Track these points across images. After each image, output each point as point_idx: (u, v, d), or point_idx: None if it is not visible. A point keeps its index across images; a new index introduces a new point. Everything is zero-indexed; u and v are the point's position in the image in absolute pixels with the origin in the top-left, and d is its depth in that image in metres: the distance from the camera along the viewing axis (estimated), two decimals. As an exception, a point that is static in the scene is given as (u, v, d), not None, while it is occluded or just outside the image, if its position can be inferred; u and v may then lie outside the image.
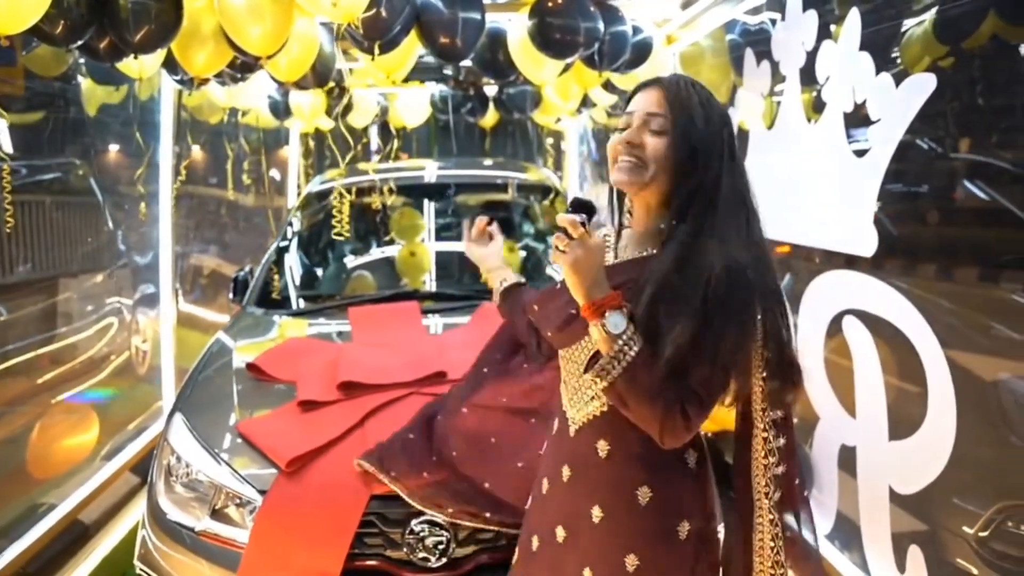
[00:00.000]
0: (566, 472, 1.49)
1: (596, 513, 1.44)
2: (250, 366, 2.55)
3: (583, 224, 1.29)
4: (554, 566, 1.50)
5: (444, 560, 1.93)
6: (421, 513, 1.93)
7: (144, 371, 4.64)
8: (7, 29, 2.19)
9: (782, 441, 1.50)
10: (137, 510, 3.36)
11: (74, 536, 3.15)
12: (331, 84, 3.99)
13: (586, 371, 1.34)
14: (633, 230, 1.52)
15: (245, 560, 1.87)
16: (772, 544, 1.53)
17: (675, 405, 1.29)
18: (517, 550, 1.64)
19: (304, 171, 6.82)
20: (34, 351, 3.43)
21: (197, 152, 5.16)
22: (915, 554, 2.12)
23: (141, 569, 2.17)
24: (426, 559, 1.93)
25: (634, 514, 1.43)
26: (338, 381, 2.28)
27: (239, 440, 2.19)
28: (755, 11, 2.98)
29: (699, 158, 1.40)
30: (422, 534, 1.92)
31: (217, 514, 2.08)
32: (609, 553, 1.43)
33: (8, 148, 2.97)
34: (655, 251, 1.45)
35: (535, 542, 1.56)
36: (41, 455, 3.44)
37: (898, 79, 2.03)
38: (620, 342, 1.27)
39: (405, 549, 1.93)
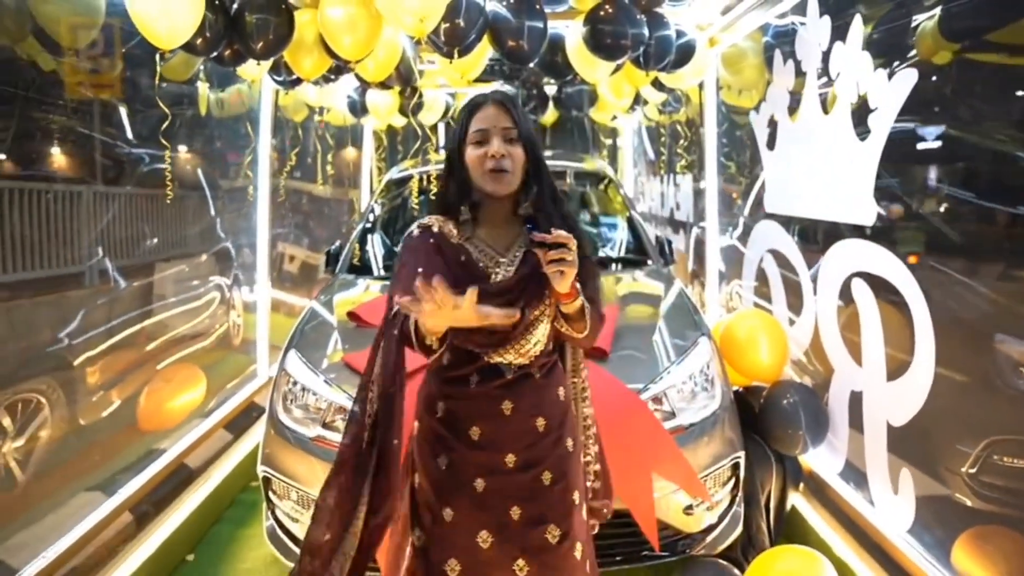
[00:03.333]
0: (508, 406, 1.78)
1: (540, 424, 1.81)
2: (350, 314, 3.09)
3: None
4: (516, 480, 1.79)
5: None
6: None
7: (238, 343, 5.18)
8: (168, 46, 2.77)
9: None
10: (229, 462, 3.92)
11: (181, 477, 3.60)
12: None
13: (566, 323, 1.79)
14: (488, 228, 1.81)
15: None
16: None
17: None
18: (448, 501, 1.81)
19: (376, 165, 7.31)
20: (154, 317, 3.97)
21: (287, 147, 5.69)
22: (905, 476, 2.51)
23: (264, 469, 2.70)
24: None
25: (560, 411, 1.86)
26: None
27: (344, 369, 2.73)
28: (783, 15, 3.37)
29: (539, 159, 1.79)
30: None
31: (327, 426, 2.62)
32: (558, 444, 1.84)
33: (129, 135, 3.51)
34: (512, 233, 1.81)
35: (480, 484, 1.78)
36: (156, 408, 3.97)
37: (890, 74, 2.43)
38: (581, 300, 1.72)
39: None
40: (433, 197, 4.12)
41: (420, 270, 1.63)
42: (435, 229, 1.80)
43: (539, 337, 1.80)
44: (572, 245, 1.60)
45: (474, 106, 1.80)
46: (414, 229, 1.83)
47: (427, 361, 1.89)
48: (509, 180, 1.74)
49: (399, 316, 1.73)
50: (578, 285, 1.71)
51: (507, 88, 5.68)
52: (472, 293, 1.48)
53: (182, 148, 4.22)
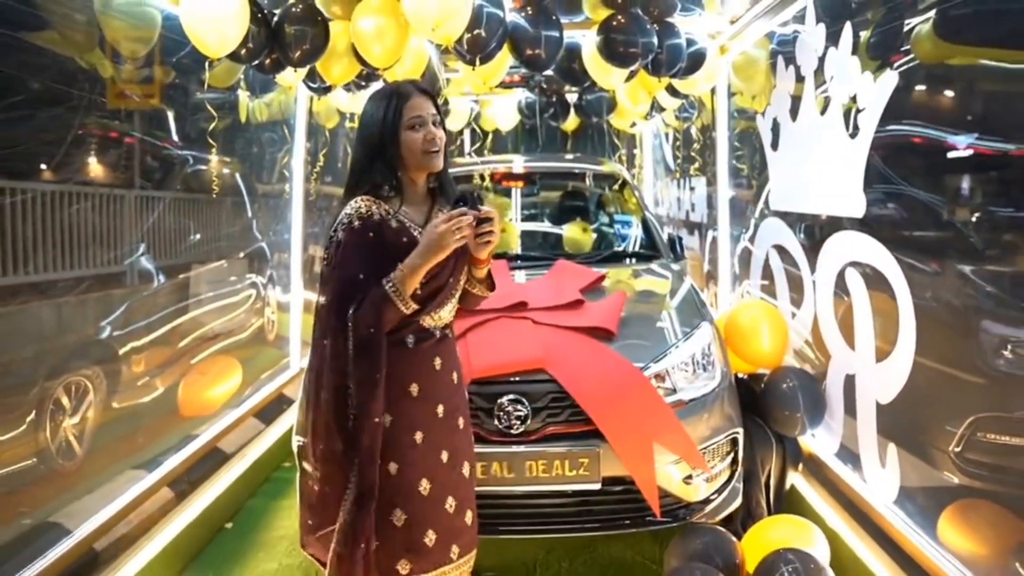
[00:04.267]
0: (438, 362, 2.05)
1: (455, 376, 2.12)
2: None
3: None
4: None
5: (522, 429, 2.64)
6: (507, 393, 2.65)
7: (272, 338, 5.45)
8: (216, 54, 3.05)
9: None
10: (263, 444, 4.17)
11: (216, 459, 3.82)
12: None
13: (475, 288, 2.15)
14: (408, 204, 2.04)
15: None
16: None
17: None
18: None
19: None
20: (196, 310, 4.24)
21: (318, 151, 5.96)
22: (892, 451, 2.69)
23: (298, 439, 2.90)
24: (509, 428, 2.64)
25: (460, 364, 2.18)
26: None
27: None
28: (785, 23, 3.58)
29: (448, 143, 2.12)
30: (508, 409, 2.64)
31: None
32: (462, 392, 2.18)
33: (174, 137, 3.79)
34: (437, 208, 2.09)
35: (419, 436, 2.00)
36: (196, 396, 4.23)
37: (875, 76, 2.63)
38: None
39: (494, 420, 2.66)
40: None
41: (362, 276, 1.90)
42: (375, 218, 1.96)
43: (455, 301, 2.12)
44: (496, 219, 1.93)
45: (404, 95, 2.01)
46: (352, 220, 1.95)
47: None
48: (439, 159, 2.04)
49: (373, 292, 1.91)
50: None
51: (527, 95, 5.93)
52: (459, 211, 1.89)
53: (224, 152, 4.48)
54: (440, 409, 2.04)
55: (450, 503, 2.04)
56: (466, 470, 2.11)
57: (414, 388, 2.00)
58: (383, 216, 1.98)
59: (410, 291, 1.91)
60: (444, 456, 2.04)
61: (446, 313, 2.08)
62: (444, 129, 2.09)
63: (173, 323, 3.94)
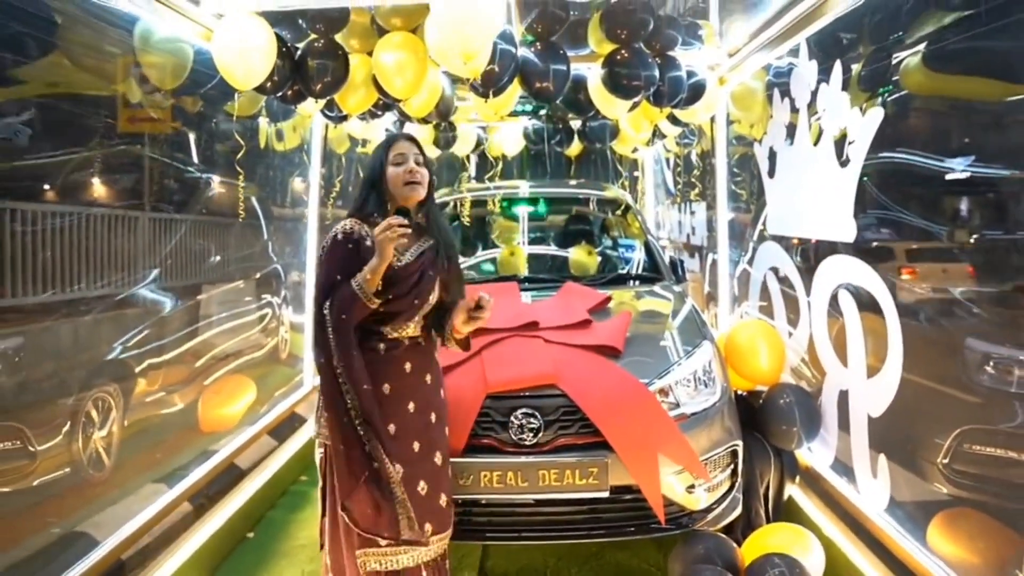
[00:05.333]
0: (408, 366, 2.42)
1: (428, 379, 2.47)
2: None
3: (408, 223, 2.28)
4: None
5: (535, 440, 2.80)
6: (521, 407, 2.82)
7: (285, 356, 5.61)
8: (245, 87, 3.25)
9: None
10: (280, 459, 4.32)
11: (232, 475, 3.97)
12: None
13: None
14: None
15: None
16: None
17: None
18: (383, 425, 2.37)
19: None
20: (217, 328, 4.41)
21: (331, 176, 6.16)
22: (882, 462, 2.86)
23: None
24: (522, 439, 2.80)
25: (438, 368, 2.55)
26: (461, 326, 3.23)
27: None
28: (780, 57, 3.78)
29: (431, 183, 2.48)
30: (521, 422, 2.81)
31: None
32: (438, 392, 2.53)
33: (195, 159, 3.98)
34: (425, 237, 2.49)
35: (392, 428, 2.36)
36: (214, 413, 4.38)
37: (863, 110, 2.83)
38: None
39: (509, 432, 2.82)
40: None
41: (339, 277, 2.30)
42: (355, 236, 2.37)
43: (421, 316, 2.48)
44: (488, 312, 2.39)
45: (392, 140, 2.48)
46: (338, 233, 2.37)
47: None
48: (420, 190, 2.43)
49: (342, 289, 2.30)
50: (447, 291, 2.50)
51: (532, 122, 6.14)
52: (397, 219, 2.23)
53: (245, 177, 4.67)
54: (411, 406, 2.42)
55: (422, 486, 2.38)
56: (439, 459, 2.45)
57: (386, 387, 2.39)
58: (363, 235, 2.37)
59: (372, 289, 2.28)
60: (416, 446, 2.40)
61: (411, 329, 2.45)
62: (429, 169, 2.47)
63: (195, 340, 4.11)
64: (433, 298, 2.48)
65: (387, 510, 2.32)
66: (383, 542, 2.34)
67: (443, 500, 2.43)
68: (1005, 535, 2.27)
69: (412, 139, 2.50)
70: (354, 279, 2.29)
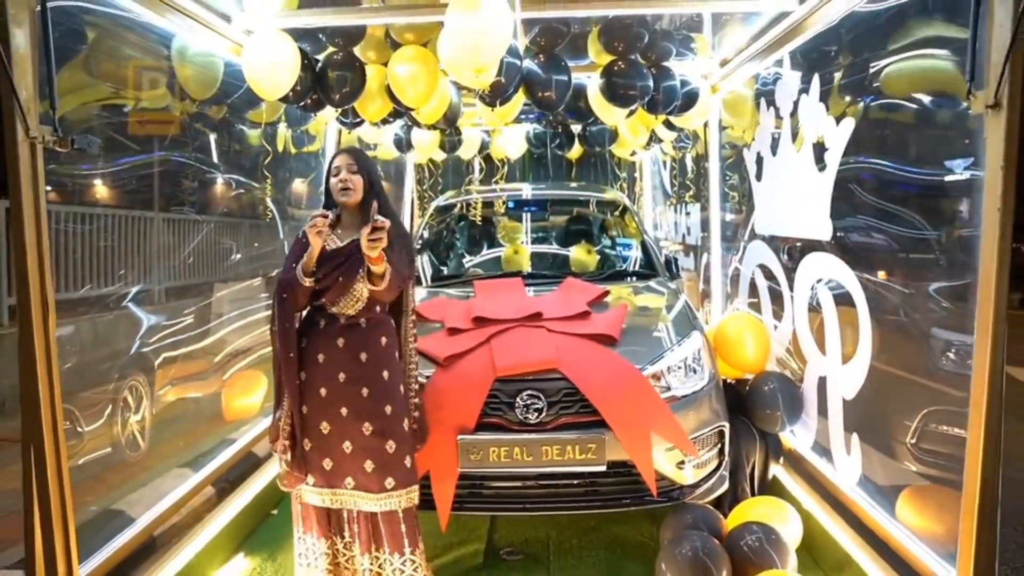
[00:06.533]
0: (341, 341, 2.77)
1: (363, 356, 2.77)
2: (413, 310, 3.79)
3: (327, 215, 2.69)
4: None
5: (539, 419, 3.09)
6: (526, 389, 3.11)
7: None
8: (272, 97, 3.53)
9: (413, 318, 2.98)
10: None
11: (250, 463, 4.18)
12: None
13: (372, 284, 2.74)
14: (342, 227, 2.85)
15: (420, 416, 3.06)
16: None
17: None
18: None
19: (418, 195, 8.06)
20: (232, 324, 4.65)
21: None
22: (855, 441, 3.13)
23: None
24: (527, 419, 3.09)
25: (379, 350, 2.81)
26: (472, 316, 3.50)
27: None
28: (767, 68, 4.06)
29: (374, 183, 2.83)
30: (526, 403, 3.10)
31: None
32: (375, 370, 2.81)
33: (215, 159, 4.25)
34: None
35: (323, 391, 2.76)
36: (233, 404, 4.64)
37: (837, 120, 3.11)
38: (385, 266, 2.68)
39: (515, 412, 3.10)
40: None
41: (294, 264, 2.73)
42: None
43: (357, 296, 2.78)
44: (386, 229, 2.59)
45: (333, 156, 2.89)
46: (299, 232, 2.83)
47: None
48: (351, 195, 2.81)
49: (292, 272, 2.74)
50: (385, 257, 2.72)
51: (534, 127, 6.42)
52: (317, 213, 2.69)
53: (266, 180, 4.94)
54: (342, 376, 2.78)
55: (347, 445, 2.76)
56: (367, 429, 2.76)
57: (320, 357, 2.80)
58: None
59: (308, 269, 2.72)
60: (344, 411, 2.77)
61: (347, 307, 2.80)
62: (367, 175, 2.83)
63: (222, 333, 4.39)
64: (361, 276, 2.78)
65: (306, 455, 2.79)
66: (310, 479, 2.82)
67: (369, 466, 2.75)
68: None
69: (349, 152, 2.90)
70: (298, 264, 2.77)
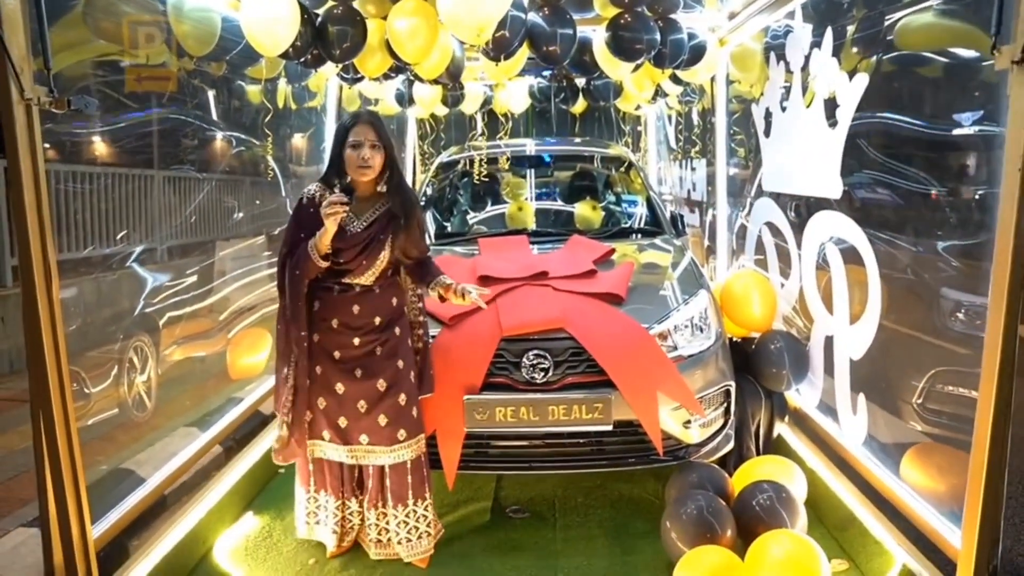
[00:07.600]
0: (356, 308, 2.83)
1: (377, 320, 2.86)
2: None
3: (348, 201, 2.66)
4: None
5: (546, 379, 3.09)
6: (532, 349, 3.09)
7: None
8: (272, 54, 3.45)
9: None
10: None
11: (257, 420, 4.24)
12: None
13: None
14: (360, 197, 2.83)
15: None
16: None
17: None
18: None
19: (420, 151, 7.97)
20: (235, 283, 4.64)
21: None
22: (861, 400, 3.13)
23: None
24: (534, 378, 3.09)
25: (391, 311, 2.91)
26: (477, 275, 3.48)
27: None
28: (778, 21, 3.96)
29: (393, 159, 2.82)
30: (532, 362, 3.09)
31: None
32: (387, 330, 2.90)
33: (215, 116, 4.18)
34: (382, 204, 2.84)
35: (337, 354, 2.85)
36: (239, 363, 4.64)
37: (850, 75, 3.03)
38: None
39: (521, 371, 3.10)
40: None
41: (302, 235, 2.73)
42: (316, 200, 2.77)
43: (375, 270, 2.84)
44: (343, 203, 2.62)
45: (352, 123, 2.80)
46: (304, 197, 2.83)
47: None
48: (370, 174, 2.77)
49: (302, 247, 2.73)
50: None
51: (538, 80, 6.31)
52: (337, 197, 2.65)
53: (267, 137, 4.87)
54: (356, 340, 2.85)
55: (361, 404, 2.84)
56: (381, 385, 2.85)
57: (334, 322, 2.85)
58: (322, 200, 2.72)
59: (322, 251, 2.69)
60: (358, 372, 2.85)
61: (365, 279, 2.85)
62: (387, 150, 2.79)
63: (225, 291, 4.38)
64: (384, 255, 2.83)
65: (323, 411, 2.88)
66: (326, 435, 2.91)
67: (383, 420, 2.84)
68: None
69: (372, 122, 2.79)
70: (310, 241, 2.71)
